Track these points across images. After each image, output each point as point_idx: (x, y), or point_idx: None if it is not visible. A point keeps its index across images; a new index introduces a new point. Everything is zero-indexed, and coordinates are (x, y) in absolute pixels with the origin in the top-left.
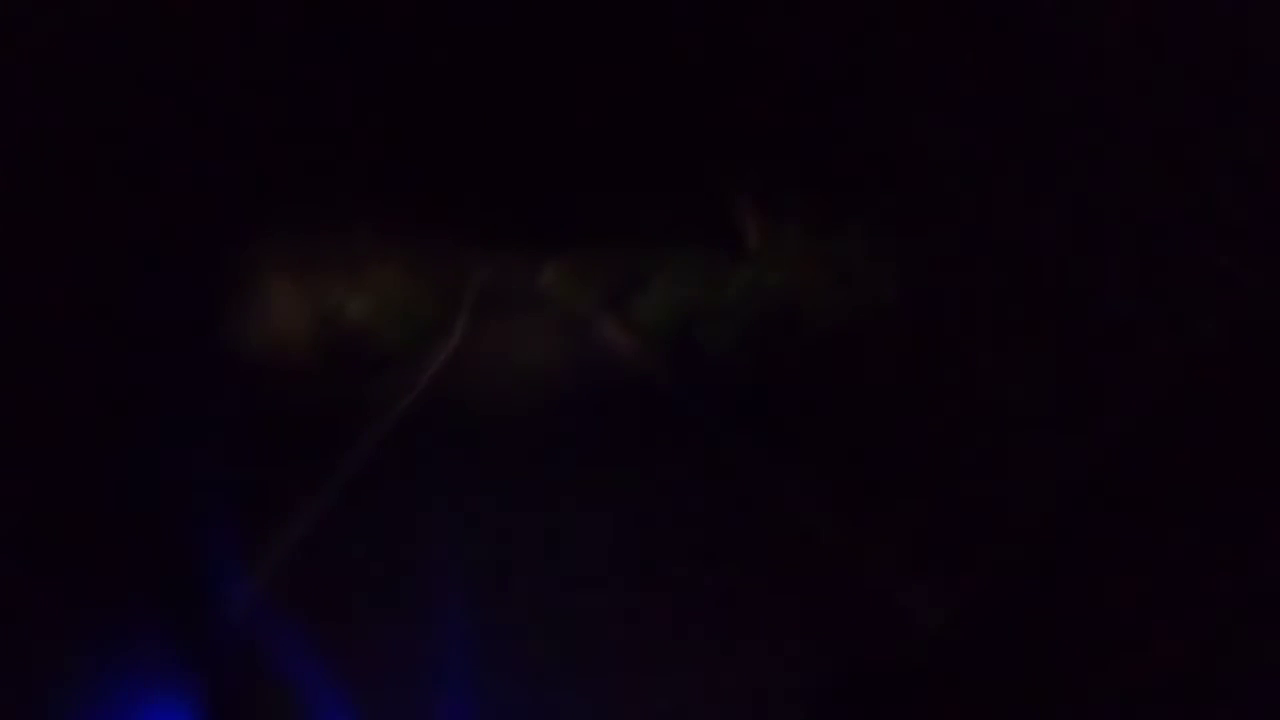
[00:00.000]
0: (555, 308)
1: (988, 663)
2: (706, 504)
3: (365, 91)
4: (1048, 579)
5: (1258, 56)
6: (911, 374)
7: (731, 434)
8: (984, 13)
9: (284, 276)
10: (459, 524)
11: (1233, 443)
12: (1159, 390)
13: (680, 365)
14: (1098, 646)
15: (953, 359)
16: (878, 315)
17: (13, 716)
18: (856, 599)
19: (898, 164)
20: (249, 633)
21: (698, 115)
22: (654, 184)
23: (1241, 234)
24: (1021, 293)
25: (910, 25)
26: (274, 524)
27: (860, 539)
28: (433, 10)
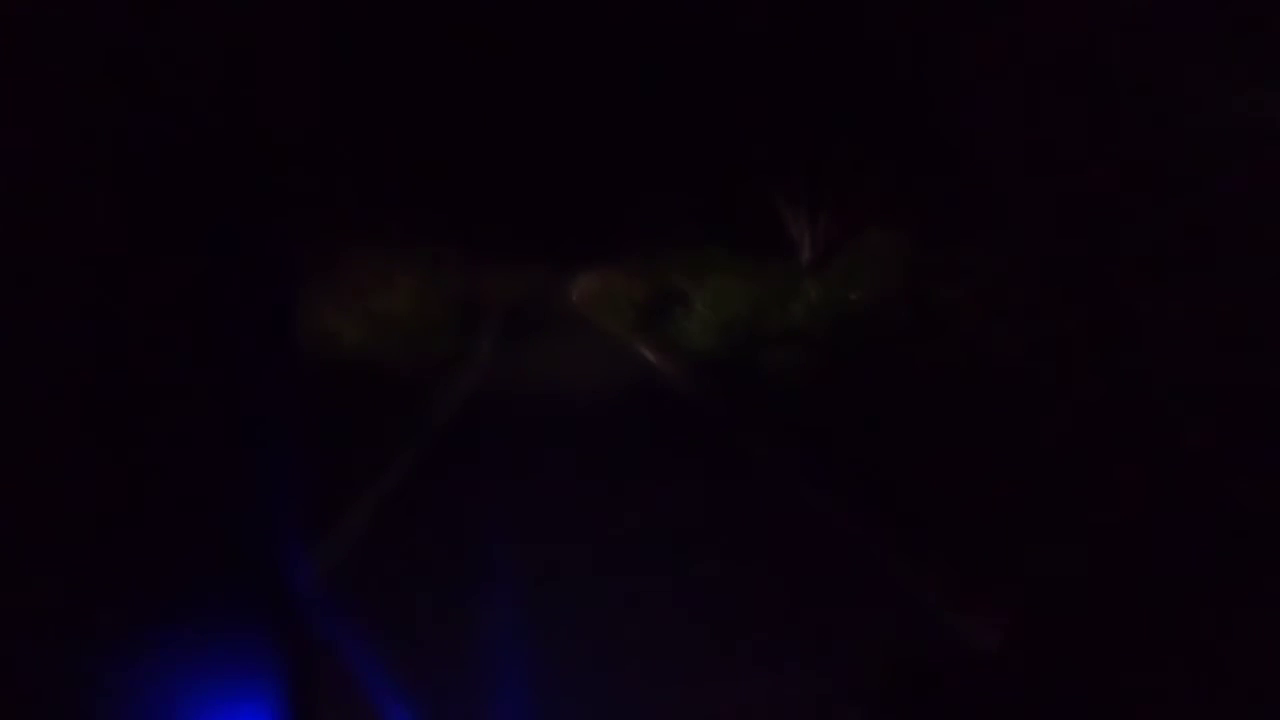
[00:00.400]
0: (590, 319)
1: (1033, 684)
2: (749, 520)
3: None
4: (1094, 604)
5: None
6: (958, 387)
7: (776, 449)
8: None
9: (332, 278)
10: (501, 530)
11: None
12: (1214, 414)
13: (725, 381)
14: (1141, 671)
15: (1002, 375)
16: (927, 328)
17: (80, 708)
18: (904, 617)
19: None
20: (314, 625)
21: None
22: (689, 193)
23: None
24: (1084, 311)
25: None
26: (330, 521)
27: (909, 557)
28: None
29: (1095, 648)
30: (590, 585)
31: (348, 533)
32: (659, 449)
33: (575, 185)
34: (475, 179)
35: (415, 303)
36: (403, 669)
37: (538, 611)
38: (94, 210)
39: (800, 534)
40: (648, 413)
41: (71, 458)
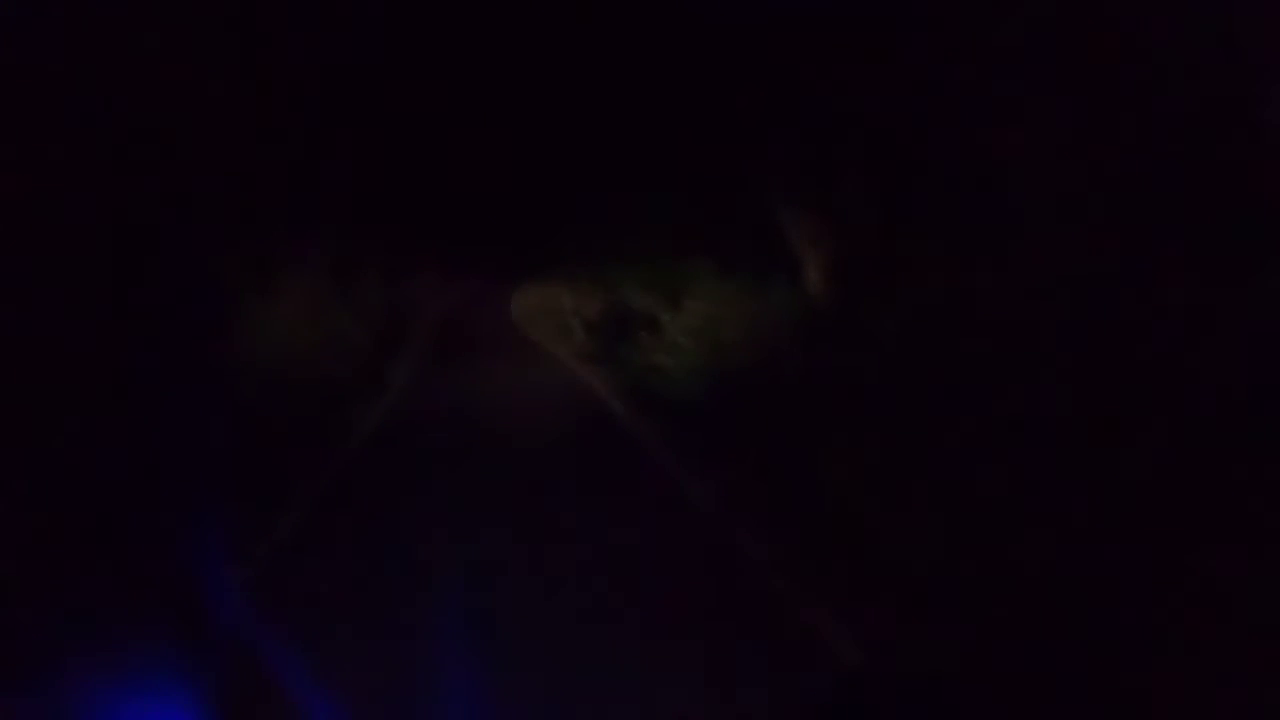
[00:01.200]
0: (521, 338)
1: (909, 701)
2: (656, 538)
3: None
4: (973, 623)
5: None
6: (855, 418)
7: (685, 468)
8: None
9: (271, 288)
10: (433, 541)
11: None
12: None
13: (639, 400)
14: (1016, 684)
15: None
16: (822, 350)
17: (16, 717)
18: (788, 636)
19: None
20: (241, 632)
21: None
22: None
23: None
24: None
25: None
26: (261, 529)
27: (795, 577)
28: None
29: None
30: None
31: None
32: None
33: (521, 180)
34: (401, 170)
35: (317, 316)
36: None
37: None
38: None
39: None
40: (613, 506)
41: None
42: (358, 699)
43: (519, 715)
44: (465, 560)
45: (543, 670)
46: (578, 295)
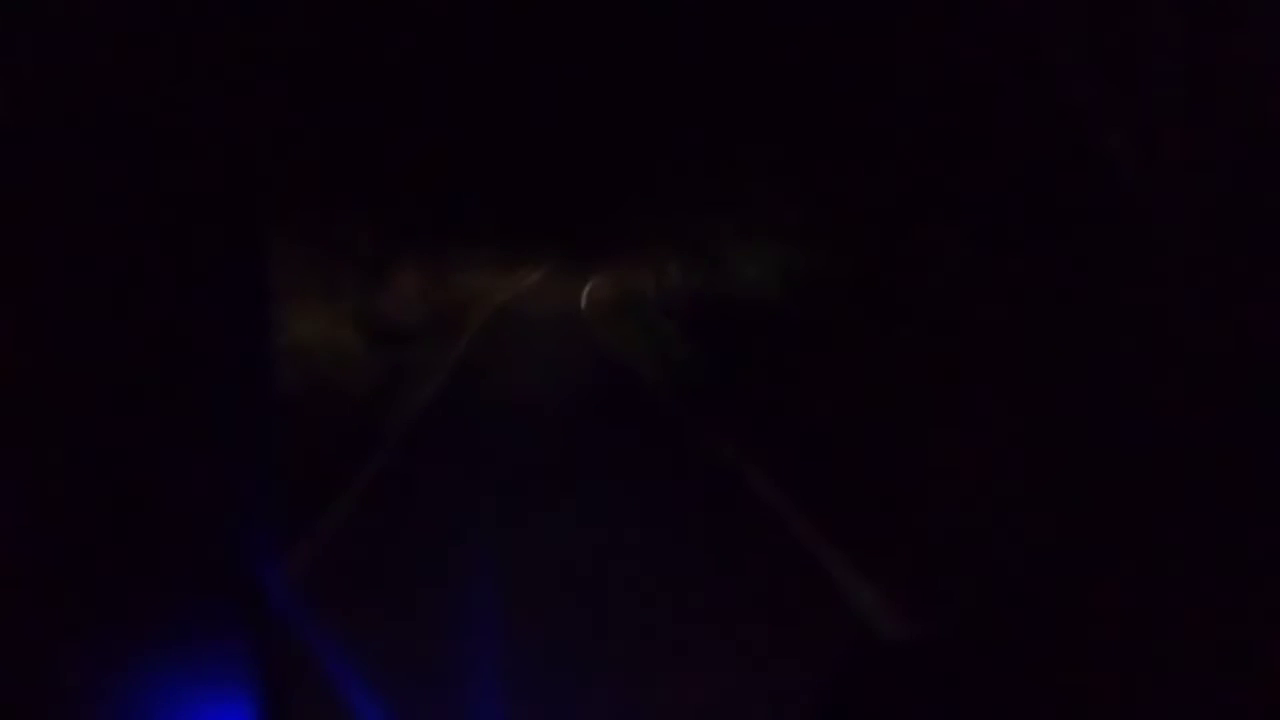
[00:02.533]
0: (552, 302)
1: (949, 678)
2: (698, 513)
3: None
4: (1014, 601)
5: None
6: (894, 390)
7: (722, 445)
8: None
9: (300, 283)
10: (469, 529)
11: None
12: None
13: (673, 374)
14: (1060, 668)
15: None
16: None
17: (61, 714)
18: (828, 611)
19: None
20: (288, 628)
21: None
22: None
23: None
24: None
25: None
26: (304, 522)
27: (835, 550)
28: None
29: (1010, 646)
30: None
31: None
32: None
33: (588, 157)
34: (466, 158)
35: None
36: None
37: None
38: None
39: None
40: (656, 488)
41: (43, 471)
42: (405, 694)
43: (562, 698)
44: (509, 552)
45: (582, 653)
46: (659, 280)
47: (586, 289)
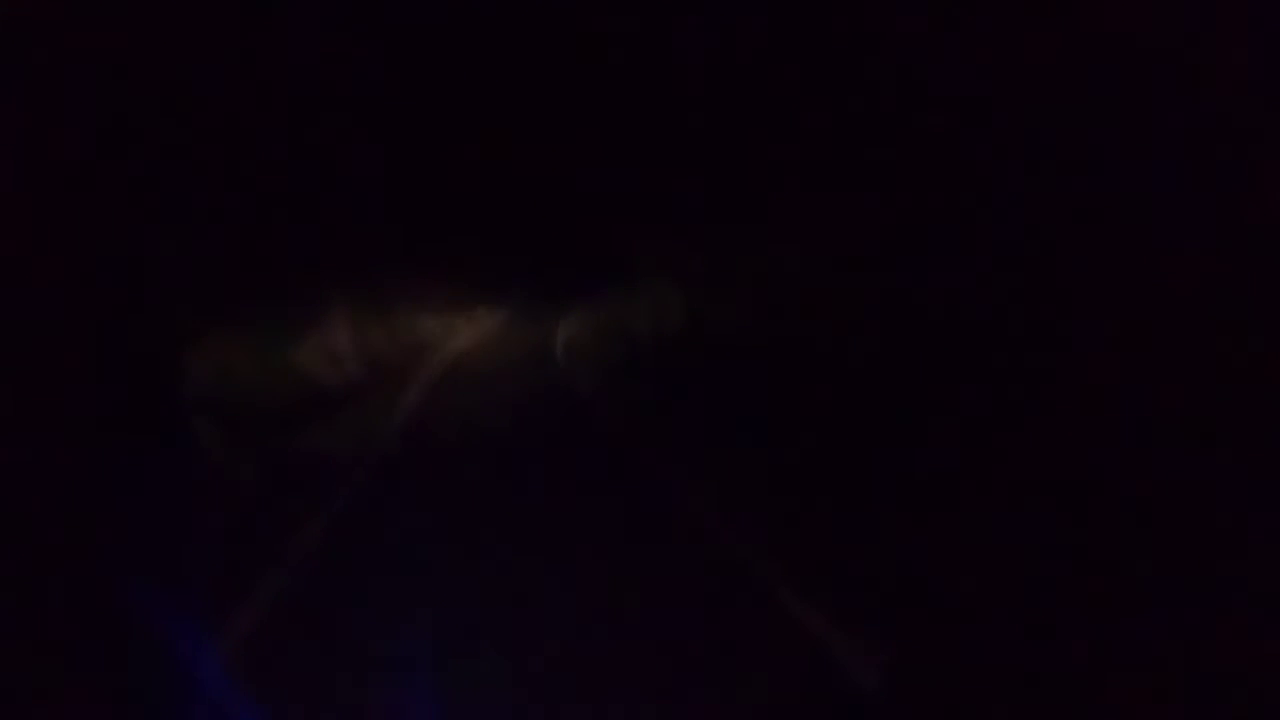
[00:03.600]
0: (521, 351)
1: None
2: (662, 553)
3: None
4: (982, 637)
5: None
6: (861, 423)
7: (685, 481)
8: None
9: (242, 326)
10: (427, 581)
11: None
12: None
13: (635, 410)
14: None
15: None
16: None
17: None
18: (797, 653)
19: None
20: (222, 702)
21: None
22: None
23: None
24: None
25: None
26: (242, 589)
27: (803, 592)
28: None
29: (977, 687)
30: None
31: None
32: None
33: (561, 162)
34: (407, 171)
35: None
36: None
37: None
38: None
39: None
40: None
41: None
42: None
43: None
44: (458, 627)
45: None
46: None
47: (561, 335)
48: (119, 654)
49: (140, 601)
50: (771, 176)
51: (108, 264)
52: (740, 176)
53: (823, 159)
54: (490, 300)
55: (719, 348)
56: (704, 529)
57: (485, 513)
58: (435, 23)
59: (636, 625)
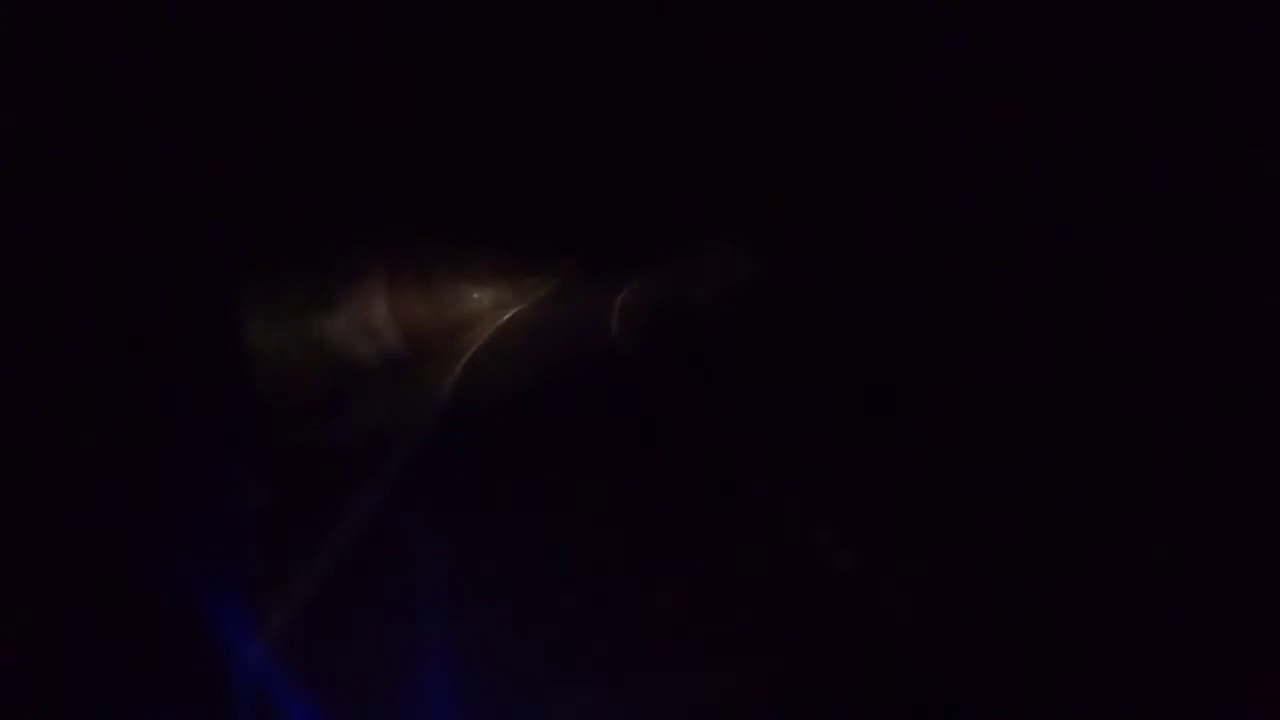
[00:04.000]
0: (572, 324)
1: (957, 658)
2: (696, 508)
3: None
4: (1018, 575)
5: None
6: (887, 370)
7: (719, 435)
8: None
9: (280, 306)
10: (466, 559)
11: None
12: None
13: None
14: (1068, 644)
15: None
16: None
17: None
18: (829, 594)
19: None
20: (263, 690)
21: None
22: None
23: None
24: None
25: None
26: (282, 574)
27: (834, 533)
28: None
29: (1014, 626)
30: None
31: None
32: None
33: (615, 116)
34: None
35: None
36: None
37: None
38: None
39: None
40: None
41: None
42: None
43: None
44: (502, 607)
45: (580, 653)
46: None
47: (618, 304)
48: (157, 643)
49: (176, 587)
50: (840, 142)
51: (130, 237)
52: (808, 141)
53: (890, 128)
54: (537, 270)
55: (785, 320)
56: (764, 503)
57: (532, 493)
58: None
59: (692, 604)
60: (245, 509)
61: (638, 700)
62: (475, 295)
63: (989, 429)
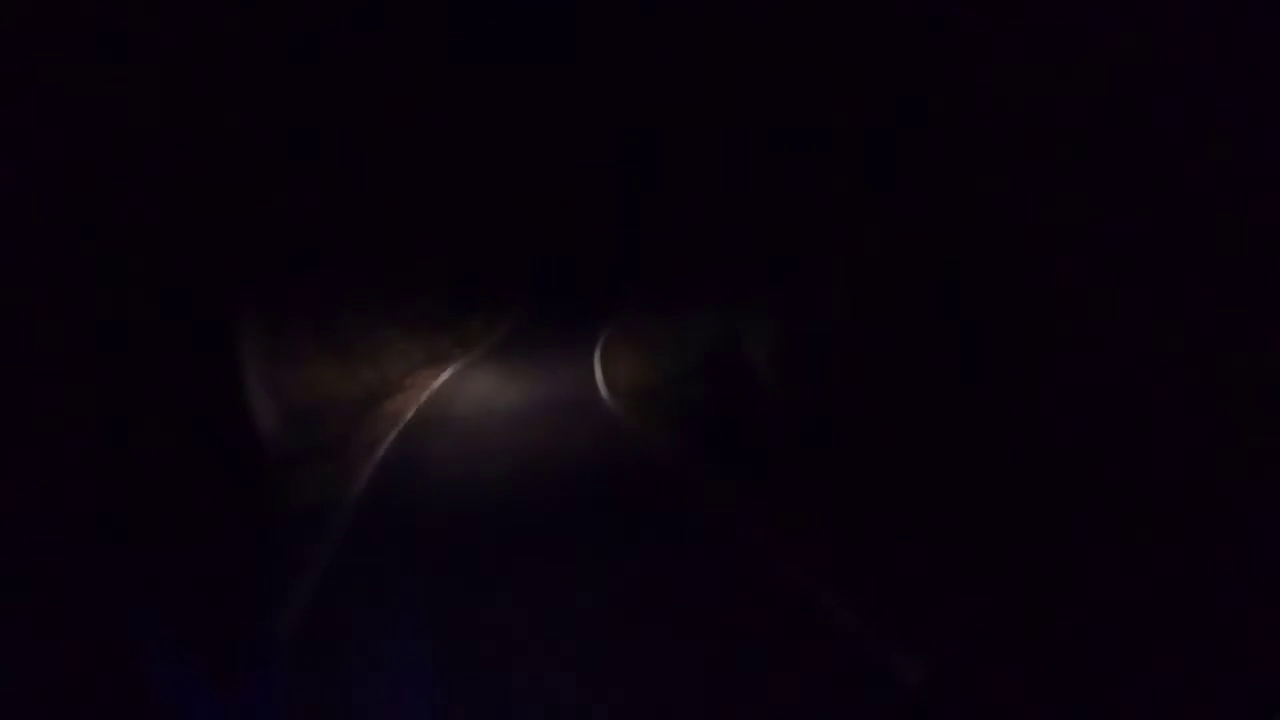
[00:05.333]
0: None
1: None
2: (686, 567)
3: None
4: (1028, 634)
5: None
6: (893, 431)
7: (710, 487)
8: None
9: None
10: (434, 601)
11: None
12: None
13: (661, 420)
14: (1075, 703)
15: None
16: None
17: None
18: (837, 658)
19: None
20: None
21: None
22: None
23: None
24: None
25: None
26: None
27: (842, 598)
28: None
29: (1017, 685)
30: None
31: None
32: None
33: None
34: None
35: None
36: None
37: None
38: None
39: None
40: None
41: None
42: None
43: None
44: (482, 630)
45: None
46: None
47: (597, 356)
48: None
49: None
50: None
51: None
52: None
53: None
54: (483, 312)
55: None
56: (766, 565)
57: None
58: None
59: (689, 669)
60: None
61: None
62: (401, 347)
63: (992, 489)
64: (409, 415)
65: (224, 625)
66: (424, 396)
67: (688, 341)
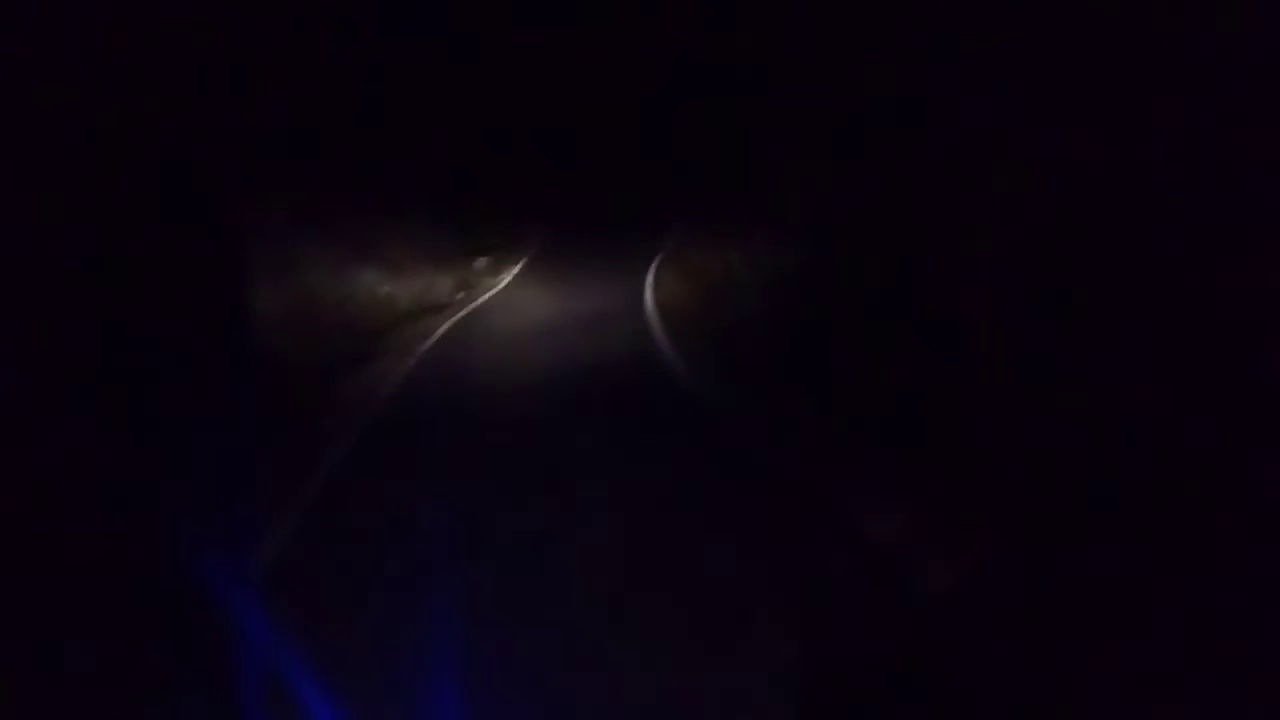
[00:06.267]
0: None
1: (989, 635)
2: (706, 480)
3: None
4: (1050, 552)
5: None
6: (918, 340)
7: (734, 406)
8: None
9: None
10: (456, 510)
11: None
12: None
13: (684, 340)
14: (1100, 623)
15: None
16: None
17: None
18: (859, 569)
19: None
20: (252, 636)
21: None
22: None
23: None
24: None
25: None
26: (269, 518)
27: (864, 508)
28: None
29: (1042, 601)
30: None
31: None
32: None
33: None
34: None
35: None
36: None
37: None
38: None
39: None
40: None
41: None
42: (370, 699)
43: (562, 687)
44: (486, 544)
45: (587, 636)
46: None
47: (650, 276)
48: (161, 628)
49: (178, 571)
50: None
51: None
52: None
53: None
54: (503, 246)
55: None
56: (796, 477)
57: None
58: None
59: (724, 581)
60: (241, 483)
61: (670, 680)
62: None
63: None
64: (448, 325)
65: (250, 512)
66: (468, 310)
67: (741, 268)
